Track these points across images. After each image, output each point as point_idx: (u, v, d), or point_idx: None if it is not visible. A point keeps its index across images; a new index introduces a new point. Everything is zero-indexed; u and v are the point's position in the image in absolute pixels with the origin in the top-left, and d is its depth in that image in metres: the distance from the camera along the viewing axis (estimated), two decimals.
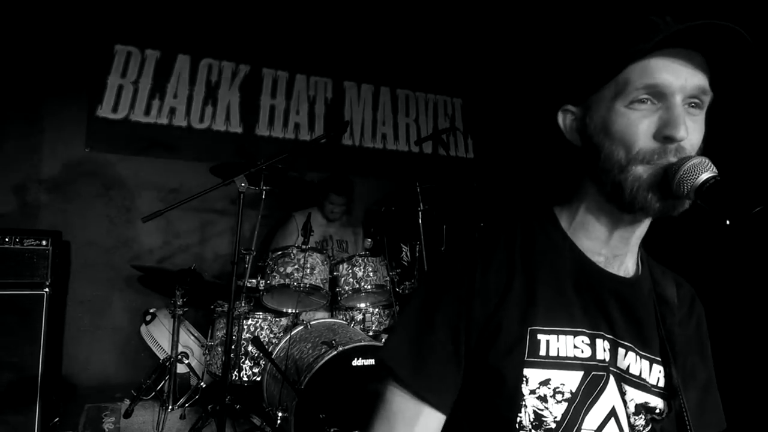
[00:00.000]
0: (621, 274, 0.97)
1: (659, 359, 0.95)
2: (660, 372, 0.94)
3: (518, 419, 0.87)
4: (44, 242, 3.10)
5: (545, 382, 0.87)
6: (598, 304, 0.94)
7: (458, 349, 0.91)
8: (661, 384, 0.94)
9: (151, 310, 3.76)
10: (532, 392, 0.87)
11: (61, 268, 3.43)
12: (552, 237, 0.99)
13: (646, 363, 0.94)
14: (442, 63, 5.11)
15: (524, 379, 0.87)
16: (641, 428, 0.92)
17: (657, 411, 0.93)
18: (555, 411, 0.87)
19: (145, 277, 3.64)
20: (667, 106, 0.84)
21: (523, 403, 0.87)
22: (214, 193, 3.18)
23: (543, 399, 0.87)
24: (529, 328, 0.89)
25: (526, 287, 0.93)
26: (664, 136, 0.83)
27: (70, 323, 3.84)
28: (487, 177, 4.84)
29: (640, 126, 0.85)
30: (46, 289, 3.05)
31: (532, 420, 0.87)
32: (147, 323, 3.73)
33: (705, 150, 0.88)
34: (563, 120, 0.99)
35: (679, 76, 0.83)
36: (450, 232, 3.75)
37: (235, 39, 4.44)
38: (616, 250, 0.96)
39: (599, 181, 0.92)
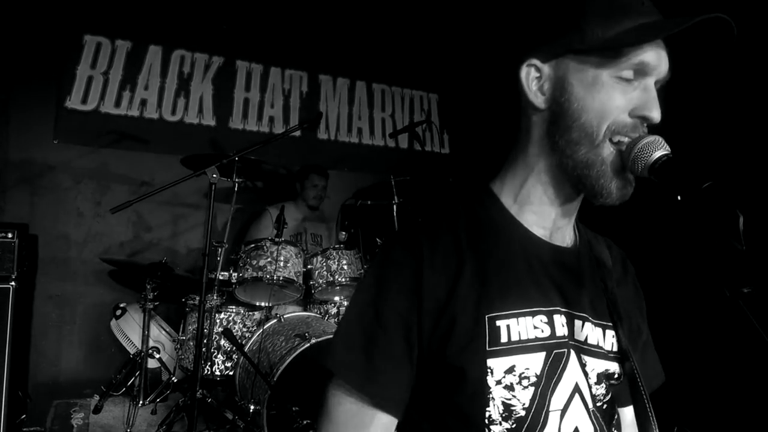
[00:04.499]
0: (563, 245, 0.97)
1: (610, 324, 0.95)
2: (613, 337, 0.94)
3: (487, 413, 0.82)
4: (10, 235, 3.03)
5: (510, 370, 0.83)
6: (549, 278, 0.91)
7: (411, 347, 0.84)
8: (615, 348, 0.94)
9: (122, 305, 3.70)
10: (498, 382, 0.82)
11: (27, 261, 3.36)
12: (494, 214, 0.95)
13: (599, 330, 0.93)
14: (419, 58, 5.10)
15: (488, 370, 0.82)
16: (602, 397, 0.91)
17: (615, 376, 0.93)
18: (522, 398, 0.82)
19: (116, 271, 3.59)
20: (644, 87, 0.84)
21: (491, 395, 0.81)
22: (187, 187, 3.14)
23: (510, 387, 0.82)
24: (486, 316, 0.84)
25: (477, 271, 0.87)
26: (642, 116, 0.83)
27: (37, 318, 3.76)
28: (463, 172, 4.86)
29: (620, 101, 0.83)
30: (12, 283, 2.99)
31: (501, 412, 0.82)
32: (117, 318, 3.67)
33: (662, 130, 0.89)
34: (526, 76, 0.90)
35: (662, 60, 0.84)
36: None
37: (209, 30, 4.38)
38: (558, 223, 0.95)
39: (562, 153, 0.88)
